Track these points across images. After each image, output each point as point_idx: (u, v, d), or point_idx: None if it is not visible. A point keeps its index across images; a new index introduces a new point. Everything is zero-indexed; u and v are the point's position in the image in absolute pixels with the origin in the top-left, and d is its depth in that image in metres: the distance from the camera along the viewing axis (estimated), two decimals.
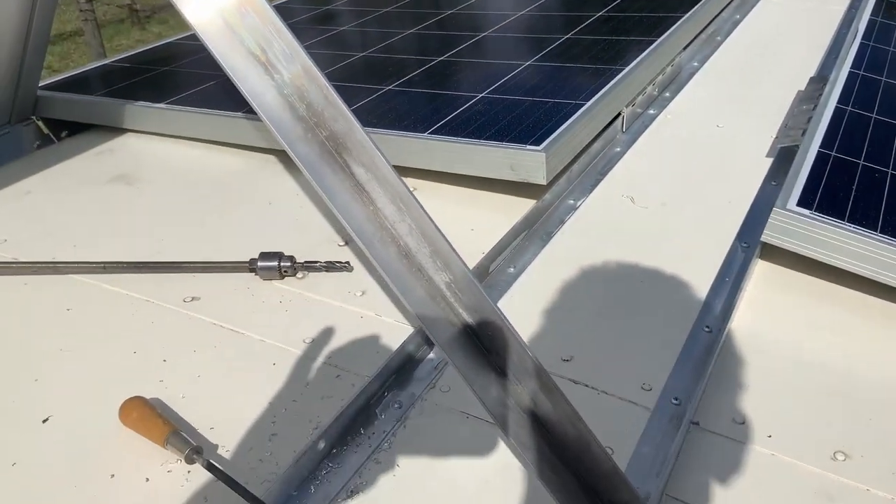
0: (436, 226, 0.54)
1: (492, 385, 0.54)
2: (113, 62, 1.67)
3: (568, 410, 0.54)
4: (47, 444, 0.71)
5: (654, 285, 0.91)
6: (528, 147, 1.04)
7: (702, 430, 0.71)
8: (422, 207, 0.54)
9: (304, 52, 0.53)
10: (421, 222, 0.54)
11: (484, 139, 1.08)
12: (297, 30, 1.78)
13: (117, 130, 1.44)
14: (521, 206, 1.06)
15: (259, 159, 1.30)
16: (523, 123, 1.12)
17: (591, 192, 1.12)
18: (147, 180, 1.24)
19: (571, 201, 1.10)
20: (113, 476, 0.67)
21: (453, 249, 0.54)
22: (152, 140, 1.40)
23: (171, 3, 0.50)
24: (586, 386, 0.76)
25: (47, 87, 1.51)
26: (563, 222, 1.05)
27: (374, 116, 1.21)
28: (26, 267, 0.96)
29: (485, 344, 0.54)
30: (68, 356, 0.82)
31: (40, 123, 1.49)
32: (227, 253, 1.00)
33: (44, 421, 0.74)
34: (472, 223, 1.05)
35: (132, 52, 1.72)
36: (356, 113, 1.24)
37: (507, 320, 0.54)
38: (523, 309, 0.88)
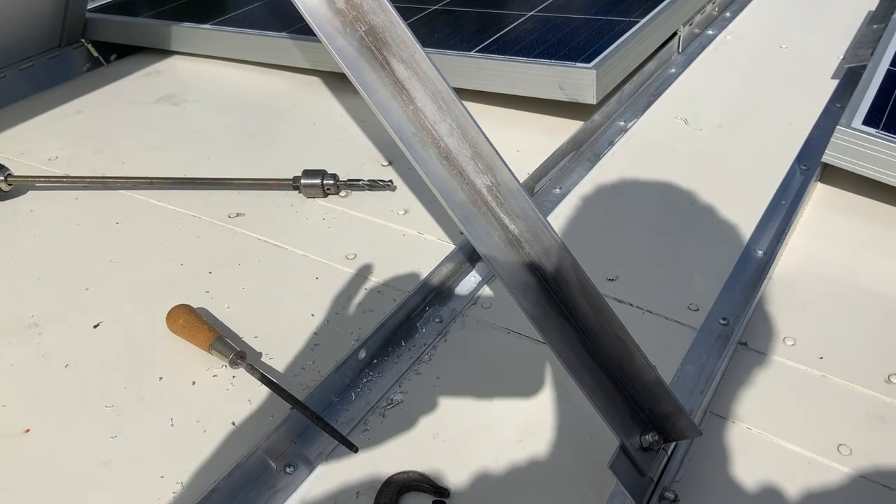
0: (478, 127, 0.52)
1: (532, 291, 0.52)
2: None
3: (611, 320, 0.53)
4: (98, 348, 0.73)
5: (706, 208, 0.88)
6: (578, 65, 1.00)
7: (750, 350, 0.69)
8: (463, 107, 0.52)
9: None
10: (462, 122, 0.52)
11: (532, 57, 1.04)
12: None
13: (164, 52, 1.44)
14: (570, 128, 1.03)
15: (303, 81, 1.28)
16: (573, 41, 1.08)
17: (642, 113, 1.08)
18: (193, 100, 1.24)
19: (622, 122, 1.06)
20: (161, 378, 0.69)
21: (496, 152, 0.52)
22: (198, 62, 1.39)
23: None
24: (631, 305, 0.74)
25: (96, 10, 1.51)
26: (612, 144, 1.01)
27: (419, 35, 1.18)
28: (77, 181, 0.98)
29: (526, 250, 0.53)
30: (118, 267, 0.84)
31: (90, 46, 1.50)
32: (272, 171, 1.00)
33: (95, 326, 0.76)
34: (519, 144, 1.03)
35: None
36: None
37: (551, 227, 0.52)
38: (568, 228, 0.86)
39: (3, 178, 0.95)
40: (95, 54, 1.50)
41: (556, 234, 0.52)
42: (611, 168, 0.97)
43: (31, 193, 0.99)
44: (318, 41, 1.21)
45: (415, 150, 0.53)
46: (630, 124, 1.05)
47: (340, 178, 0.95)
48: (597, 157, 0.99)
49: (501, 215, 0.53)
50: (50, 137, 1.15)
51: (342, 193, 0.95)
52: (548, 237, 0.52)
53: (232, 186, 0.97)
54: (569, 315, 0.53)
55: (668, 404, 0.53)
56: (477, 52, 1.09)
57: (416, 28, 1.22)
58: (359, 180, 0.95)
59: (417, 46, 0.52)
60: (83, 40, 1.49)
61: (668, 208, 0.88)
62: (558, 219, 0.88)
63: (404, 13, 1.29)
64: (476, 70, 1.07)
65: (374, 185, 0.95)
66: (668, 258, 0.80)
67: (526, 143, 1.03)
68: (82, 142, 1.13)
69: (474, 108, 1.13)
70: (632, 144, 1.01)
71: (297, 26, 1.29)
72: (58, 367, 0.71)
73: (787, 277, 0.77)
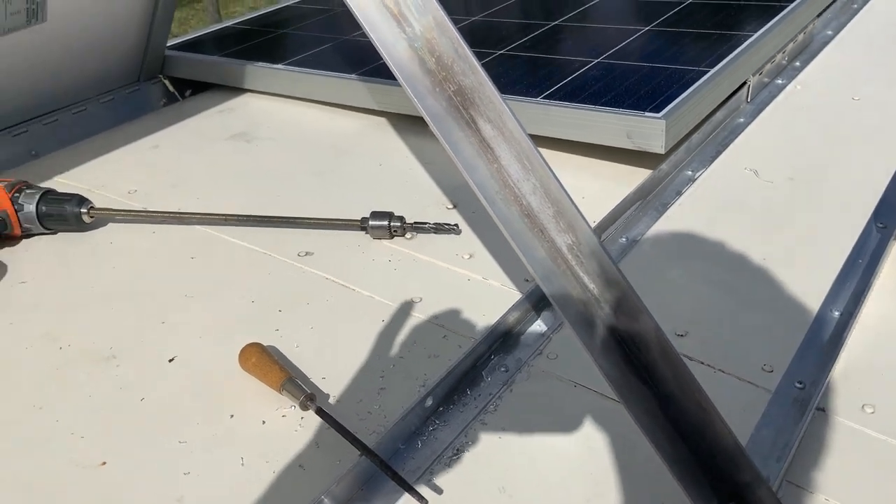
0: (561, 186, 0.53)
1: (611, 352, 0.52)
2: (235, 24, 1.72)
3: (690, 382, 0.52)
4: (173, 382, 0.75)
5: (778, 264, 0.86)
6: (647, 114, 1.00)
7: (828, 416, 0.67)
8: (548, 166, 0.53)
9: (437, 4, 0.52)
10: (546, 182, 0.53)
11: (599, 105, 1.05)
12: None
13: (237, 90, 1.49)
14: (636, 176, 1.03)
15: (371, 121, 1.31)
16: (641, 90, 1.08)
17: (711, 163, 1.07)
18: (265, 138, 1.28)
19: (690, 172, 1.05)
20: (232, 416, 0.70)
21: (578, 211, 0.52)
22: (270, 100, 1.44)
23: None
24: (702, 363, 0.73)
25: (174, 48, 1.58)
26: (679, 193, 1.01)
27: None
28: (155, 216, 1.01)
29: (606, 311, 0.52)
30: (192, 301, 0.87)
31: (167, 82, 1.56)
32: (339, 211, 1.02)
33: (170, 360, 0.78)
34: (585, 191, 1.03)
35: (253, 15, 1.77)
36: None
37: (633, 289, 0.52)
38: (634, 279, 0.85)
39: (86, 210, 0.99)
40: (172, 90, 1.56)
41: (639, 296, 0.52)
42: (678, 218, 0.96)
43: (111, 226, 1.03)
44: (387, 83, 1.24)
45: (497, 208, 0.53)
46: (698, 174, 1.05)
47: (407, 221, 0.96)
48: (664, 207, 0.98)
49: (581, 274, 0.53)
50: (129, 170, 1.20)
51: (408, 235, 0.97)
52: (630, 299, 0.52)
53: (302, 225, 0.99)
54: (647, 378, 0.52)
55: (748, 473, 0.52)
56: (543, 98, 1.11)
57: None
58: (425, 223, 0.96)
59: (505, 107, 0.52)
60: (161, 76, 1.55)
61: (739, 262, 0.87)
62: (625, 269, 0.88)
63: None
64: (542, 116, 1.08)
65: (439, 228, 0.96)
66: (739, 315, 0.79)
67: (591, 190, 1.03)
68: (159, 176, 1.17)
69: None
70: (700, 194, 1.01)
71: (366, 68, 1.32)
72: (134, 401, 0.73)
73: (865, 340, 0.75)
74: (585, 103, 1.06)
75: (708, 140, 1.12)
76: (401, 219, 0.96)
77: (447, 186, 1.08)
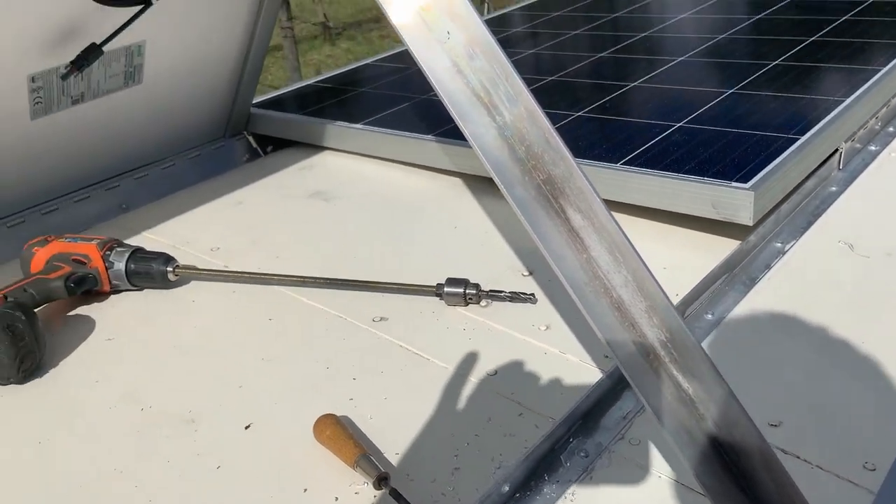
0: (654, 279, 0.51)
1: (707, 458, 0.49)
2: (316, 82, 1.77)
3: (790, 488, 0.48)
4: (249, 451, 0.75)
5: (878, 347, 0.81)
6: (734, 184, 0.97)
7: None
8: (641, 259, 0.51)
9: (529, 95, 0.52)
10: (639, 274, 0.51)
11: (682, 173, 1.02)
12: None
13: (317, 148, 1.53)
14: (722, 247, 0.99)
15: (447, 182, 1.32)
16: (727, 157, 1.05)
17: (801, 235, 1.02)
18: (343, 197, 1.30)
19: (779, 244, 1.01)
20: (305, 490, 0.69)
21: (672, 306, 0.50)
22: (349, 158, 1.47)
23: (408, 50, 0.51)
24: (797, 457, 0.69)
25: (258, 105, 1.63)
26: (768, 267, 0.97)
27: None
28: (236, 276, 1.04)
29: (701, 412, 0.50)
30: (268, 366, 0.87)
31: (250, 138, 1.61)
32: (414, 274, 1.02)
33: (246, 427, 0.78)
34: (666, 261, 1.00)
35: (333, 73, 1.82)
36: None
37: (732, 392, 0.49)
38: (722, 361, 0.82)
39: (171, 269, 1.01)
40: (255, 146, 1.61)
41: (738, 401, 0.49)
42: (767, 294, 0.92)
43: (194, 284, 1.06)
44: (463, 144, 1.25)
45: (586, 300, 0.52)
46: (788, 246, 1.00)
47: (482, 288, 0.95)
48: (752, 282, 0.94)
49: (675, 373, 0.51)
50: (213, 227, 1.24)
51: (483, 303, 0.96)
52: (730, 403, 0.49)
53: (377, 289, 0.99)
54: (747, 487, 0.49)
55: None
56: (623, 164, 1.09)
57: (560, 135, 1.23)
58: (500, 292, 0.95)
59: (596, 198, 0.51)
60: (245, 132, 1.61)
61: (835, 345, 0.82)
62: (711, 349, 0.84)
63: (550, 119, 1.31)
64: (621, 183, 1.06)
65: (515, 297, 0.94)
66: (836, 404, 0.74)
67: (673, 260, 1.00)
68: (241, 233, 1.20)
69: (618, 218, 1.11)
70: (790, 269, 0.96)
71: (443, 129, 1.33)
72: (211, 468, 0.73)
73: None
74: (668, 171, 1.04)
75: (798, 210, 1.08)
76: (476, 286, 0.95)
77: (523, 251, 1.06)
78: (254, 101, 1.65)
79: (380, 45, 9.19)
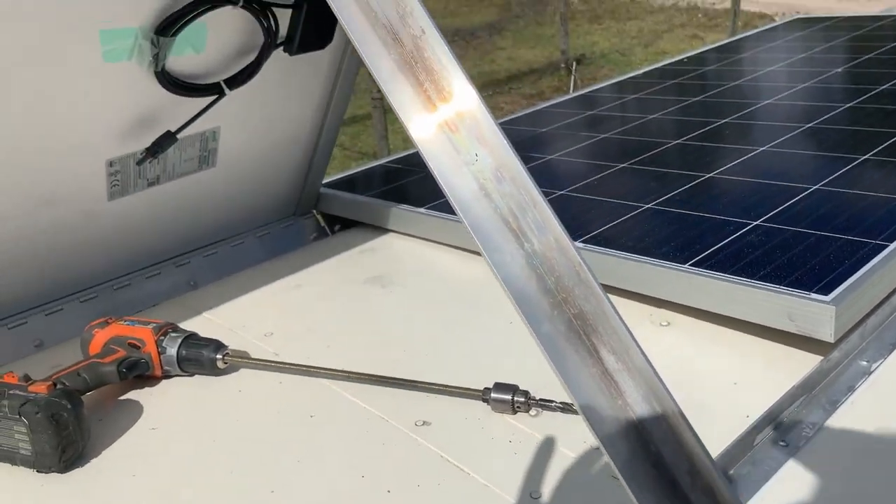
0: (699, 442, 0.45)
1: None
2: (386, 163, 1.79)
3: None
4: None
5: None
6: (813, 295, 0.89)
7: None
8: (682, 416, 0.45)
9: (558, 223, 0.48)
10: (678, 431, 0.45)
11: (756, 279, 0.95)
12: (555, 135, 1.78)
13: (382, 230, 1.52)
14: (800, 362, 0.91)
15: None
16: (807, 264, 0.97)
17: (890, 353, 0.92)
18: (400, 283, 1.28)
19: (865, 363, 0.91)
20: None
21: (721, 475, 0.44)
22: (411, 241, 1.45)
23: (431, 171, 0.48)
24: None
25: (328, 185, 1.66)
26: (852, 389, 0.87)
27: (629, 239, 1.14)
28: (283, 366, 1.02)
29: None
30: (305, 469, 0.84)
31: (319, 217, 1.63)
32: (463, 372, 0.98)
33: None
34: (735, 375, 0.92)
35: (404, 154, 1.83)
36: (613, 230, 1.17)
37: None
38: (797, 497, 0.73)
39: (220, 356, 1.01)
40: (323, 224, 1.63)
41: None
42: (851, 420, 0.82)
43: (243, 371, 1.05)
44: None
45: (617, 451, 0.46)
46: (875, 365, 0.91)
47: (532, 396, 0.90)
48: (833, 405, 0.85)
49: None
50: (269, 310, 1.24)
51: (532, 412, 0.90)
52: None
53: (422, 389, 0.95)
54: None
55: None
56: (691, 265, 1.02)
57: (627, 228, 1.18)
58: (551, 401, 0.89)
59: (632, 341, 0.46)
60: (314, 211, 1.63)
61: None
62: (784, 484, 0.75)
63: (618, 210, 1.26)
64: (688, 285, 1.00)
65: (566, 408, 0.89)
66: None
67: (743, 374, 0.92)
68: (297, 319, 1.20)
69: (684, 321, 1.04)
70: (878, 391, 0.86)
71: None
72: None
73: None
74: (740, 275, 0.97)
75: (886, 324, 0.98)
76: (525, 393, 0.90)
77: None
78: (326, 181, 1.67)
79: None
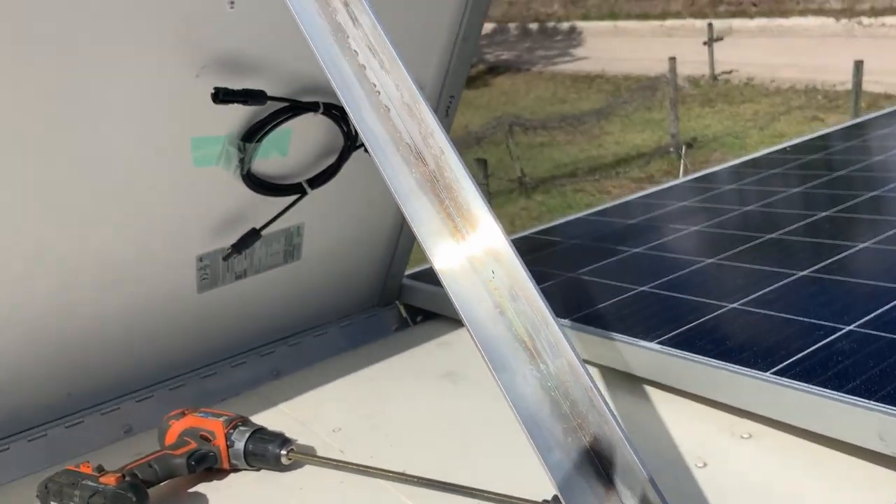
0: None
1: None
2: None
3: None
4: None
5: None
6: None
7: None
8: None
9: (570, 347, 0.46)
10: None
11: (843, 392, 0.87)
12: (644, 227, 1.74)
13: (461, 323, 1.52)
14: (892, 486, 0.81)
15: None
16: None
17: None
18: (471, 381, 1.27)
19: None
20: None
21: None
22: None
23: (448, 295, 0.48)
24: None
25: (411, 276, 1.68)
26: None
27: (707, 342, 1.08)
28: (344, 465, 1.02)
29: None
30: None
31: (401, 308, 1.66)
32: (523, 479, 0.93)
33: None
34: (823, 497, 0.83)
35: None
36: (692, 331, 1.12)
37: None
38: None
39: (285, 452, 1.03)
40: (405, 315, 1.65)
41: None
42: None
43: (307, 468, 1.06)
44: (598, 333, 1.18)
45: None
46: None
47: None
48: None
49: None
50: (341, 404, 1.25)
51: None
52: None
53: (480, 497, 0.92)
54: None
55: None
56: (773, 373, 0.95)
57: (709, 329, 1.12)
58: None
59: (644, 472, 0.43)
60: (397, 302, 1.66)
61: None
62: None
63: (699, 308, 1.20)
64: (769, 395, 0.93)
65: None
66: None
67: (833, 498, 0.83)
68: (365, 414, 1.20)
69: (767, 433, 0.96)
70: None
71: (580, 314, 1.27)
72: None
73: None
74: (825, 387, 0.89)
75: None
76: None
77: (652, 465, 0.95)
78: (409, 272, 1.70)
79: (573, 199, 9.38)
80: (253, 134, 1.13)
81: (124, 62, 0.96)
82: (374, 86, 0.54)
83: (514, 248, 0.49)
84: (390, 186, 0.53)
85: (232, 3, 0.95)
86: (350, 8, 0.55)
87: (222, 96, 1.00)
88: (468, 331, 0.49)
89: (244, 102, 1.04)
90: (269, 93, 1.08)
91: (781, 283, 1.26)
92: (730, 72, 15.64)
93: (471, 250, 0.51)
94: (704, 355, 1.04)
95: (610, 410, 0.45)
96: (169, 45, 0.97)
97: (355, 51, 0.55)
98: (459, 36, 1.26)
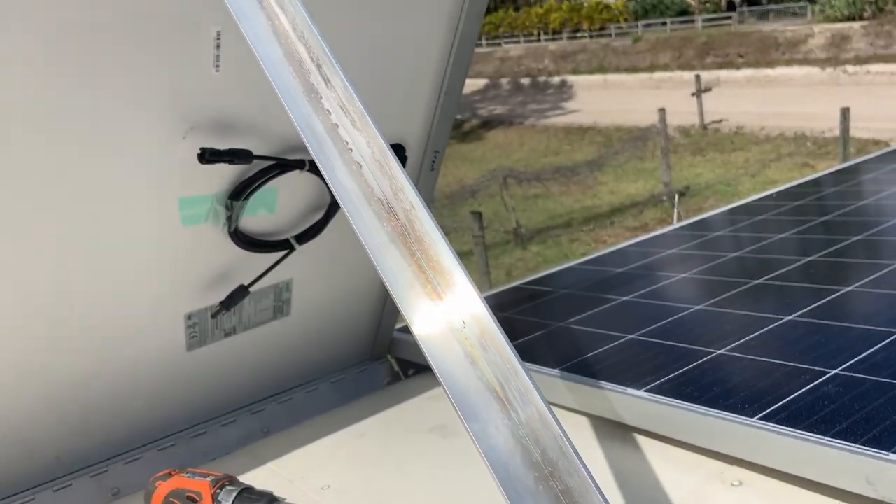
0: None
1: None
2: None
3: None
4: None
5: None
6: (892, 456, 0.80)
7: None
8: None
9: (539, 395, 0.47)
10: None
11: (829, 436, 0.87)
12: (635, 275, 1.75)
13: None
14: None
15: (570, 421, 1.23)
16: (888, 419, 0.88)
17: None
18: (461, 434, 1.26)
19: None
20: None
21: None
22: None
23: (419, 346, 0.49)
24: None
25: (401, 330, 1.69)
26: None
27: (695, 388, 1.08)
28: None
29: None
30: None
31: (393, 362, 1.65)
32: None
33: None
34: None
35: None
36: (681, 378, 1.12)
37: None
38: None
39: None
40: (396, 369, 1.64)
41: None
42: None
43: None
44: (589, 383, 1.17)
45: None
46: None
47: None
48: None
49: None
50: (331, 460, 1.24)
51: None
52: None
53: None
54: None
55: None
56: (760, 418, 0.95)
57: (695, 377, 1.12)
58: None
59: None
60: (388, 356, 1.65)
61: None
62: None
63: (686, 355, 1.20)
64: (757, 440, 0.92)
65: None
66: None
67: None
68: (355, 471, 1.19)
69: (756, 480, 0.95)
70: None
71: (568, 364, 1.28)
72: None
73: None
74: (811, 431, 0.89)
75: None
76: None
77: None
78: (399, 326, 1.71)
79: (568, 249, 9.43)
80: (240, 192, 1.15)
81: (111, 125, 0.99)
82: (347, 143, 0.56)
83: (483, 300, 0.50)
84: (362, 240, 0.54)
85: (217, 66, 0.98)
86: (322, 70, 0.57)
87: (209, 156, 1.02)
88: (440, 382, 0.50)
89: (230, 162, 1.06)
90: (256, 151, 1.10)
91: (770, 327, 1.26)
92: (719, 121, 15.93)
93: (442, 302, 0.51)
94: (692, 402, 1.04)
95: (579, 458, 0.45)
96: (156, 108, 1.00)
97: (328, 110, 0.56)
98: (443, 91, 1.30)
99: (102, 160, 1.01)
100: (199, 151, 1.02)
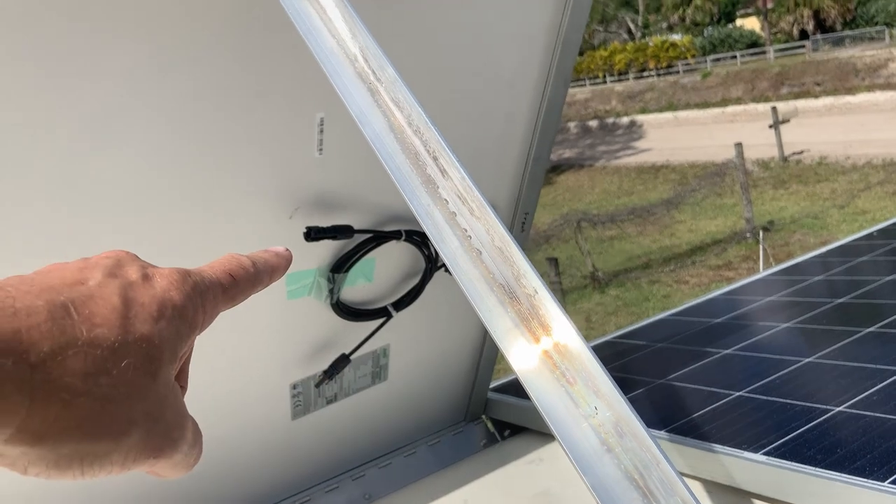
0: None
1: None
2: None
3: None
4: None
5: None
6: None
7: None
8: None
9: (684, 486, 0.46)
10: None
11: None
12: (732, 325, 1.70)
13: (549, 436, 1.50)
14: None
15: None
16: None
17: None
18: (566, 500, 1.23)
19: None
20: None
21: None
22: None
23: (549, 428, 0.49)
24: None
25: (495, 389, 1.68)
26: None
27: (817, 450, 1.02)
28: None
29: None
30: None
31: (488, 423, 1.64)
32: None
33: None
34: None
35: None
36: (793, 442, 1.07)
37: None
38: None
39: None
40: (492, 430, 1.63)
41: None
42: None
43: None
44: (701, 447, 1.13)
45: None
46: None
47: None
48: None
49: None
50: None
51: None
52: None
53: None
54: None
55: None
56: (892, 482, 0.89)
57: (811, 439, 1.06)
58: None
59: None
60: (483, 417, 1.65)
61: None
62: None
63: (800, 414, 1.15)
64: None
65: None
66: None
67: None
68: None
69: None
70: None
71: (675, 424, 1.24)
72: None
73: None
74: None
75: None
76: None
77: None
78: (493, 385, 1.70)
79: (649, 291, 9.21)
80: (341, 265, 1.18)
81: (225, 204, 1.04)
82: (465, 231, 0.57)
83: (615, 383, 0.50)
84: (487, 327, 0.55)
85: (321, 150, 1.03)
86: (439, 161, 0.59)
87: (314, 234, 1.06)
88: (577, 472, 0.49)
89: (333, 238, 1.10)
90: (355, 226, 1.14)
91: (891, 380, 1.19)
92: (800, 152, 15.42)
93: (571, 387, 0.51)
94: (816, 466, 0.99)
95: None
96: (264, 193, 1.05)
97: (445, 199, 0.58)
98: (530, 157, 1.31)
99: (213, 244, 1.06)
100: (304, 230, 1.06)
